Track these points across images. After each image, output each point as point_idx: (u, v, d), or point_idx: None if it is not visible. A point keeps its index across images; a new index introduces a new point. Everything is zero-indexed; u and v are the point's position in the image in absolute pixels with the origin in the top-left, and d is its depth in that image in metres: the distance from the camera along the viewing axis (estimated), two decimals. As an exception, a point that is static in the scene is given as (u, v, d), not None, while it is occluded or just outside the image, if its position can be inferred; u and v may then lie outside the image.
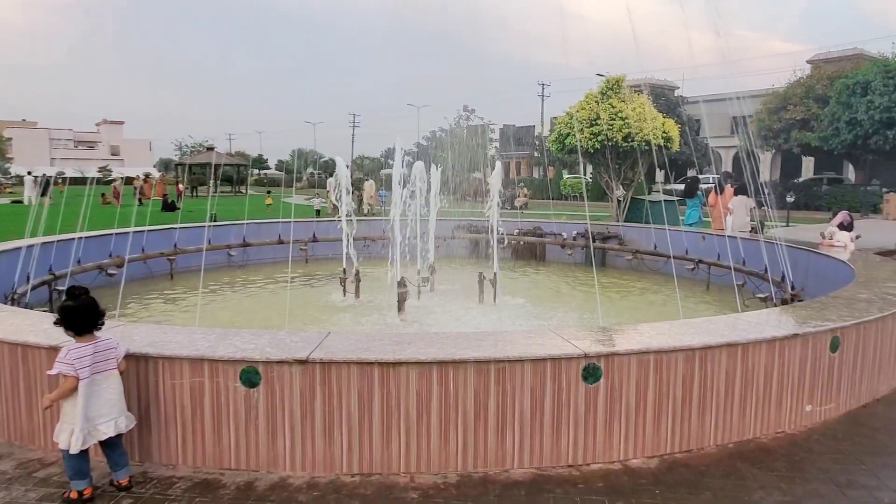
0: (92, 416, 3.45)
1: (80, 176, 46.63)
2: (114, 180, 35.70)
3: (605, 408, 3.97)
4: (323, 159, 71.86)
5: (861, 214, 10.02)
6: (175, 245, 11.08)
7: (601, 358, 3.94)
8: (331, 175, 23.72)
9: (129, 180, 39.94)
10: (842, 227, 9.50)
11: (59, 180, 28.52)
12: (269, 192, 31.69)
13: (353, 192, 20.30)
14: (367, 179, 26.62)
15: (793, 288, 7.85)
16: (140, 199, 30.56)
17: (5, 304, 6.70)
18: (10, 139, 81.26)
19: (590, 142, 16.31)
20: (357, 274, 8.99)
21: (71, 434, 3.40)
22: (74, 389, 3.40)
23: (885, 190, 29.81)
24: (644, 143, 15.62)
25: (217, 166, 47.17)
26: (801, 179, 38.60)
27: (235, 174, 50.35)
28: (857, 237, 9.71)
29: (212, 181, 48.28)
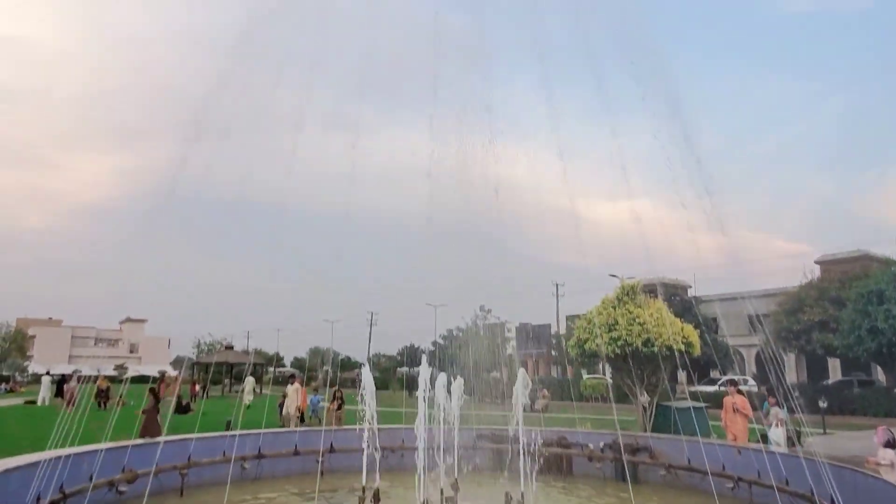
0: None
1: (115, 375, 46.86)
2: (72, 377, 31.26)
3: None
4: (340, 357, 71.96)
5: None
6: (189, 458, 10.72)
7: None
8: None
9: (142, 379, 39.64)
10: (888, 444, 9.04)
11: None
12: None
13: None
14: (292, 382, 19.90)
15: (846, 513, 7.30)
16: (100, 403, 25.56)
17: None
18: (33, 336, 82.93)
19: (609, 346, 16.31)
20: (377, 493, 8.53)
21: None
22: None
23: None
24: (665, 349, 15.57)
25: (233, 366, 47.40)
26: (830, 381, 37.73)
27: (252, 373, 50.27)
28: None
29: (227, 380, 48.16)
